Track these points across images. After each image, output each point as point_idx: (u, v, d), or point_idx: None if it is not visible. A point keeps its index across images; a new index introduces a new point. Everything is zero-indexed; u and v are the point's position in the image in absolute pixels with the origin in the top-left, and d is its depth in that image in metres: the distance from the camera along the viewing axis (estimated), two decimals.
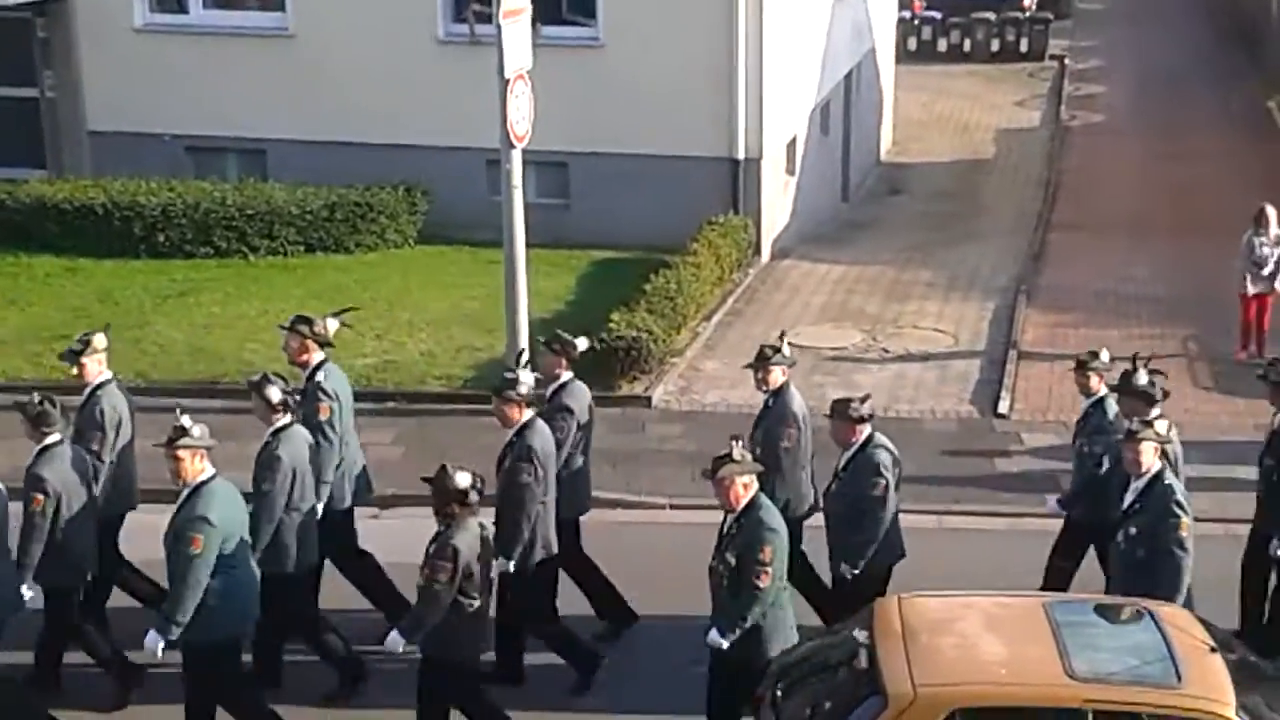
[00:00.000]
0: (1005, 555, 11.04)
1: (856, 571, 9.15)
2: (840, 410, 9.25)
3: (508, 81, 13.10)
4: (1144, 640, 7.58)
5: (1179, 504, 8.45)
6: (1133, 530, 8.54)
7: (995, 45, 33.92)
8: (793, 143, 19.68)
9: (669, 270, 15.84)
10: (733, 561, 8.11)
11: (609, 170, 18.07)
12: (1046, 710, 7.13)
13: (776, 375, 9.94)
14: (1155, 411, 9.38)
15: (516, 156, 13.40)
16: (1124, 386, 9.61)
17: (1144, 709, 7.08)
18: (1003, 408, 14.10)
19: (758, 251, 18.55)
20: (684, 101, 17.72)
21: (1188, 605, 8.26)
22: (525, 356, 10.40)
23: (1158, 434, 8.66)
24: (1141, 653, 7.47)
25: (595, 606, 10.25)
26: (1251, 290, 15.33)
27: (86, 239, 17.51)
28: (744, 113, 17.81)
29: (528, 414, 9.31)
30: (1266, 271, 15.24)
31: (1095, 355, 10.08)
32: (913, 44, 32.98)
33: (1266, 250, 15.18)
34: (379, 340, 15.42)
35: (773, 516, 8.20)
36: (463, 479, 8.17)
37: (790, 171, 19.77)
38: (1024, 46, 33.92)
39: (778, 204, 19.27)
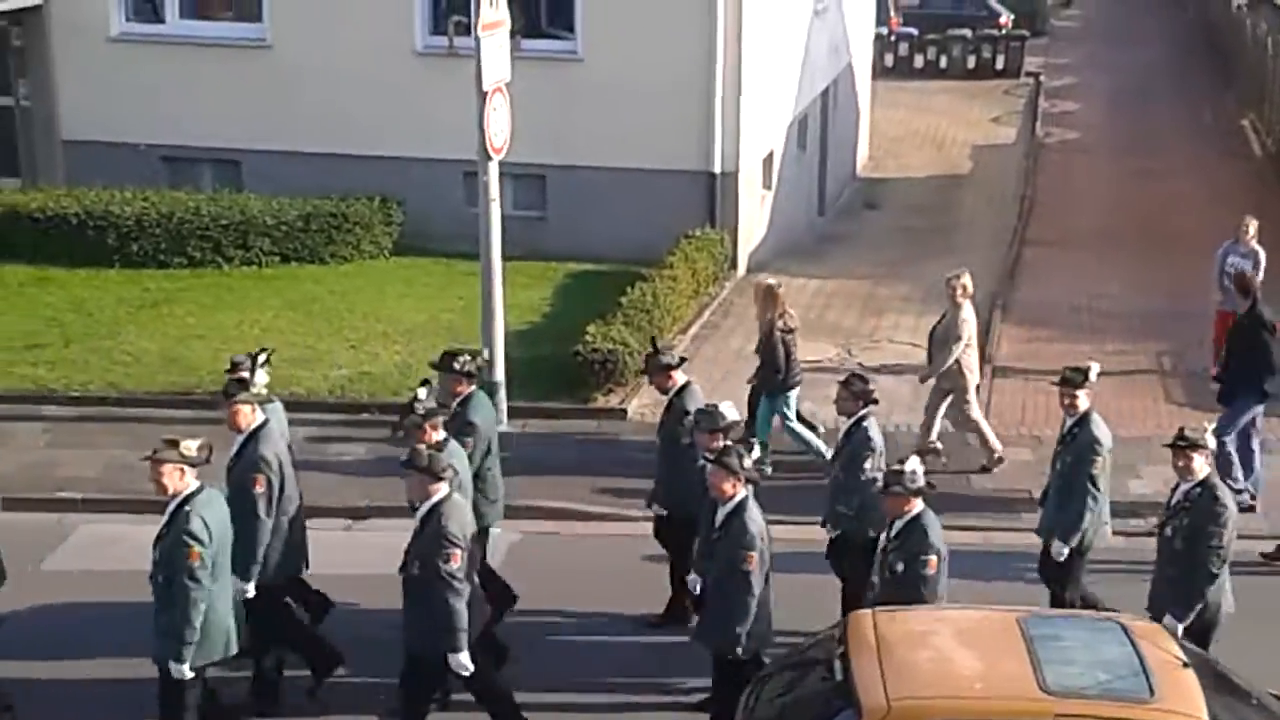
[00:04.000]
0: (979, 570, 11.04)
1: None
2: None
3: (486, 94, 13.10)
4: (1117, 654, 7.59)
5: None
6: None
7: (971, 62, 34.07)
8: (769, 157, 19.72)
9: (645, 283, 15.83)
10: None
11: (586, 183, 18.07)
12: None
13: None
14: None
15: (494, 169, 13.40)
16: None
17: None
18: None
19: (734, 265, 18.57)
20: (662, 115, 17.74)
21: None
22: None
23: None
24: (1114, 667, 7.48)
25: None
26: (1224, 304, 15.39)
27: (59, 248, 17.38)
28: (721, 127, 17.84)
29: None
30: None
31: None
32: (889, 60, 33.09)
33: (1239, 261, 15.24)
34: (354, 351, 15.36)
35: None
36: None
37: (767, 186, 19.81)
38: (1000, 63, 34.07)
39: (754, 218, 19.30)
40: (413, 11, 18.09)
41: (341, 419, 13.95)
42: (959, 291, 13.10)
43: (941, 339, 13.20)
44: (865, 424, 9.98)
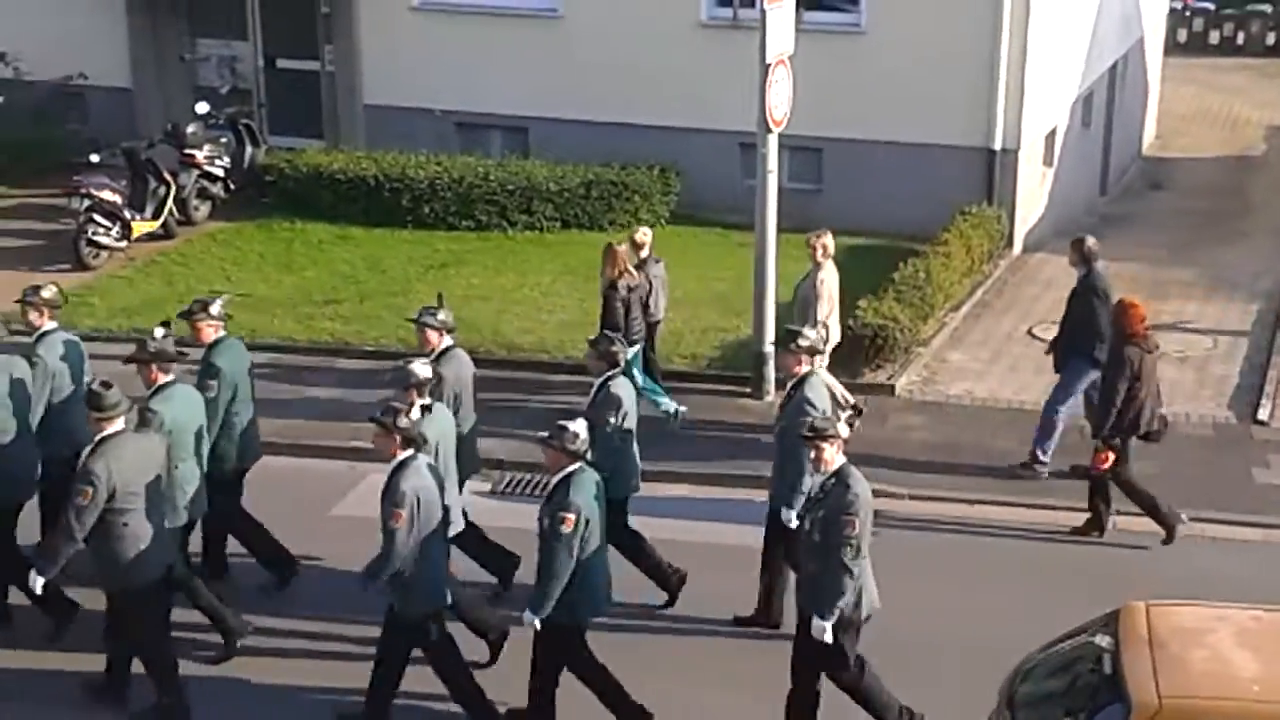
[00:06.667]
0: (1257, 568, 10.75)
1: None
2: None
3: (768, 66, 13.23)
4: None
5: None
6: None
7: (1270, 39, 32.52)
8: (1052, 134, 19.30)
9: (919, 259, 15.76)
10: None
11: (863, 157, 18.03)
12: None
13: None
14: None
15: (773, 141, 13.54)
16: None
17: None
18: (1263, 414, 13.65)
19: (1010, 244, 18.28)
20: (943, 90, 17.57)
21: None
22: None
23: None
24: None
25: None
26: None
27: (357, 208, 18.29)
28: (1003, 103, 17.56)
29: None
30: None
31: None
32: (1183, 35, 31.88)
33: None
34: None
35: None
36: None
37: (1048, 163, 19.41)
38: None
39: (1033, 196, 18.94)
40: None
41: None
42: (819, 251, 12.93)
43: (803, 300, 12.98)
44: (610, 384, 10.08)
